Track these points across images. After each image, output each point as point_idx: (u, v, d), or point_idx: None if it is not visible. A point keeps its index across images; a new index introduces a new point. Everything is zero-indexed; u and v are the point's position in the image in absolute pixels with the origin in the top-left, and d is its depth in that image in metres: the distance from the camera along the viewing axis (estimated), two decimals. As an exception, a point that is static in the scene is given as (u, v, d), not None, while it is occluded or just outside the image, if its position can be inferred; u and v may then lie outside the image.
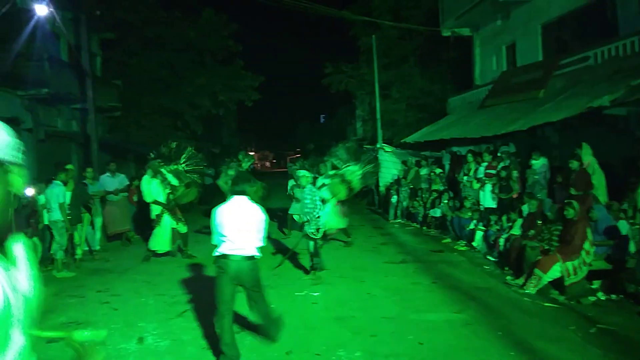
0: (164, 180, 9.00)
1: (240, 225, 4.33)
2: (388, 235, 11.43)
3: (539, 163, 9.69)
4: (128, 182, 10.90)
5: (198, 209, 13.30)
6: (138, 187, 11.51)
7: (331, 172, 9.66)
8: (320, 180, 9.46)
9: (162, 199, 8.89)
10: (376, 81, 18.40)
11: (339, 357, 4.55)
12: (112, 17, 16.48)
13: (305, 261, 8.58)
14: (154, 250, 8.88)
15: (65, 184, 8.08)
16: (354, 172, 9.61)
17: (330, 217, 8.81)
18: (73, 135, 14.85)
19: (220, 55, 21.21)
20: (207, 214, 12.52)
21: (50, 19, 11.63)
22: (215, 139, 29.47)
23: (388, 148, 16.73)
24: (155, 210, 8.88)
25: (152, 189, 8.86)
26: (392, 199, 13.57)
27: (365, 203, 17.59)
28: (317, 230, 7.46)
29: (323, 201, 8.32)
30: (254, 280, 4.43)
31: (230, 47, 21.05)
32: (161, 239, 8.81)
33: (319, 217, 7.50)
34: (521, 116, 10.61)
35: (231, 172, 9.65)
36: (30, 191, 7.74)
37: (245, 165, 11.14)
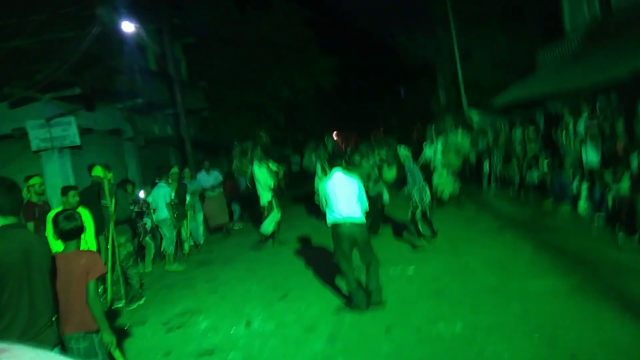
0: (268, 167, 9.36)
1: (343, 195, 5.23)
2: (482, 203, 11.02)
3: (646, 110, 8.76)
4: (222, 178, 11.48)
5: (287, 194, 13.71)
6: (232, 181, 12.13)
7: (442, 140, 10.65)
8: (431, 150, 10.64)
9: (272, 185, 9.22)
10: (455, 45, 17.62)
11: (440, 331, 4.51)
12: (191, 22, 17.31)
13: (395, 240, 8.56)
14: (266, 235, 9.24)
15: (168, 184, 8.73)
16: (465, 139, 10.79)
17: (445, 184, 10.37)
18: (169, 138, 15.91)
19: (295, 45, 21.48)
20: (296, 200, 12.85)
21: (137, 34, 12.46)
22: (298, 127, 30.03)
23: (475, 112, 16.02)
24: (266, 196, 9.16)
25: (264, 176, 9.18)
26: (484, 165, 13.00)
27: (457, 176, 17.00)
28: (422, 199, 7.69)
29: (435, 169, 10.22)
30: (365, 239, 5.30)
31: (304, 35, 21.22)
32: (270, 224, 9.15)
33: (422, 185, 7.78)
34: (620, 61, 9.64)
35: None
36: (142, 194, 8.45)
37: (329, 147, 11.42)
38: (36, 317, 2.62)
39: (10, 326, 2.50)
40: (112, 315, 6.11)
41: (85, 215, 5.34)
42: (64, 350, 3.04)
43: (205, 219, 10.75)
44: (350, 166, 7.60)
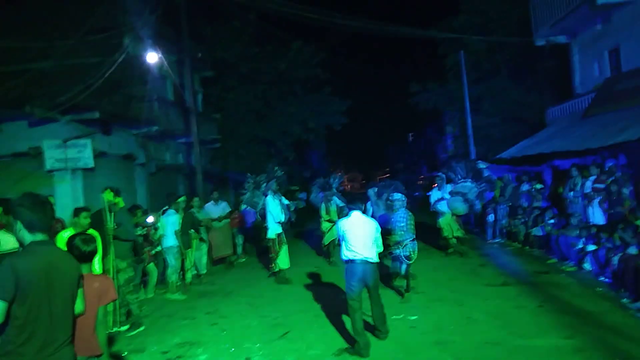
0: (281, 201, 9.52)
1: (361, 235, 5.48)
2: (487, 256, 11.00)
3: (654, 174, 8.88)
4: (230, 209, 11.57)
5: (291, 231, 13.73)
6: (240, 214, 12.21)
7: (449, 187, 10.97)
8: (439, 194, 10.93)
9: (282, 219, 9.31)
10: (466, 96, 17.99)
11: (441, 383, 4.48)
12: (211, 56, 17.83)
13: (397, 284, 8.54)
14: (283, 269, 9.27)
15: (177, 212, 8.81)
16: (472, 189, 10.84)
17: (448, 225, 10.72)
18: (180, 167, 16.12)
19: (309, 84, 21.96)
20: (300, 237, 12.90)
21: (159, 64, 12.84)
22: (306, 163, 30.32)
23: (483, 164, 16.17)
24: (276, 230, 9.24)
25: (277, 209, 9.27)
26: (488, 218, 13.05)
27: (461, 222, 17.03)
28: (410, 254, 7.53)
29: (442, 214, 10.48)
30: (376, 280, 5.58)
31: (318, 75, 21.73)
32: (285, 257, 9.24)
33: (412, 240, 7.59)
34: (630, 125, 9.83)
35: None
36: (151, 219, 8.52)
37: (335, 184, 11.65)
38: (55, 334, 2.66)
39: (28, 342, 2.54)
40: (110, 341, 6.08)
41: (97, 239, 5.41)
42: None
43: (209, 250, 10.77)
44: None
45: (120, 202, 6.89)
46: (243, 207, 12.28)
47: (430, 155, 37.31)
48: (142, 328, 6.65)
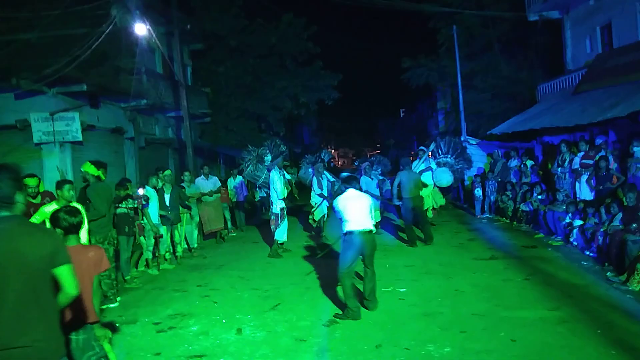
0: (284, 176, 9.57)
1: (358, 208, 5.76)
2: (475, 230, 11.15)
3: (640, 151, 8.97)
4: (220, 184, 11.56)
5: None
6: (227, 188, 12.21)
7: (432, 160, 11.45)
8: (423, 166, 11.24)
9: (285, 194, 9.40)
10: (458, 72, 17.92)
11: (429, 352, 4.59)
12: (201, 29, 17.51)
13: (390, 259, 8.66)
14: (282, 242, 9.37)
15: (154, 187, 8.71)
16: (452, 164, 11.32)
17: (434, 196, 11.26)
18: (169, 141, 16.00)
19: (300, 58, 21.72)
20: (291, 212, 12.86)
21: (147, 36, 12.60)
22: (297, 139, 30.22)
23: (473, 140, 16.26)
24: (280, 204, 9.26)
25: (281, 184, 9.28)
26: (476, 192, 13.17)
27: (450, 198, 17.21)
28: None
29: (425, 185, 10.74)
30: (372, 249, 5.84)
31: (309, 49, 21.48)
32: (284, 231, 9.31)
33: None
34: (620, 101, 9.89)
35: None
36: (141, 191, 8.46)
37: (325, 159, 11.76)
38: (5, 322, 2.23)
39: None
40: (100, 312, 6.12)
41: (82, 210, 5.37)
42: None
43: (200, 224, 10.80)
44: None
45: (101, 175, 6.78)
46: (238, 180, 12.29)
47: (422, 131, 37.29)
48: (116, 304, 6.61)
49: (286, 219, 9.41)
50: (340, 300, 6.04)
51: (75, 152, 11.08)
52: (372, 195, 9.92)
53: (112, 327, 5.47)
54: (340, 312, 5.67)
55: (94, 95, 11.68)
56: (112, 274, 6.79)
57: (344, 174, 6.95)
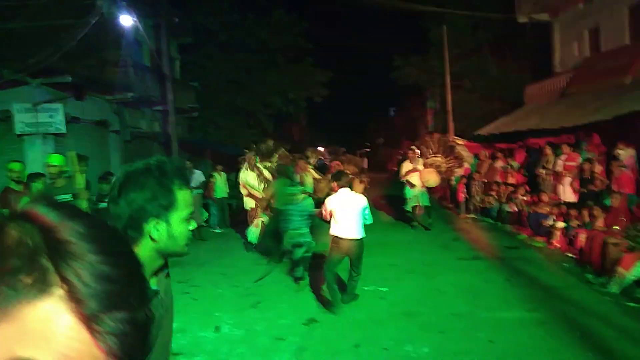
0: (260, 174, 9.29)
1: (349, 212, 5.60)
2: (460, 230, 11.17)
3: (625, 154, 9.04)
4: (204, 179, 11.45)
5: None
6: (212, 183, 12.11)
7: (421, 160, 11.24)
8: (410, 166, 11.09)
9: (258, 192, 9.16)
10: (447, 72, 17.97)
11: (407, 353, 4.58)
12: (190, 22, 17.35)
13: (374, 258, 8.64)
14: (250, 242, 9.19)
15: None
16: (441, 164, 11.26)
17: (420, 197, 10.90)
18: (155, 135, 15.83)
19: (290, 54, 21.64)
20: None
21: (134, 28, 12.44)
22: (286, 136, 30.14)
23: (460, 141, 16.31)
24: (249, 203, 9.16)
25: (250, 182, 9.12)
26: (462, 193, 13.22)
27: (437, 197, 17.24)
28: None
29: (411, 185, 10.74)
30: (358, 254, 5.75)
31: (300, 45, 21.41)
32: (255, 231, 9.07)
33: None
34: (606, 104, 9.96)
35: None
36: None
37: (313, 159, 11.62)
38: None
39: None
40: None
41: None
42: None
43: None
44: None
45: (77, 167, 6.64)
46: (224, 176, 12.16)
47: (411, 131, 37.35)
48: None
49: (259, 221, 8.99)
50: (322, 299, 6.02)
51: (58, 144, 10.90)
52: None
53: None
54: (323, 311, 5.71)
55: (79, 87, 11.50)
56: None
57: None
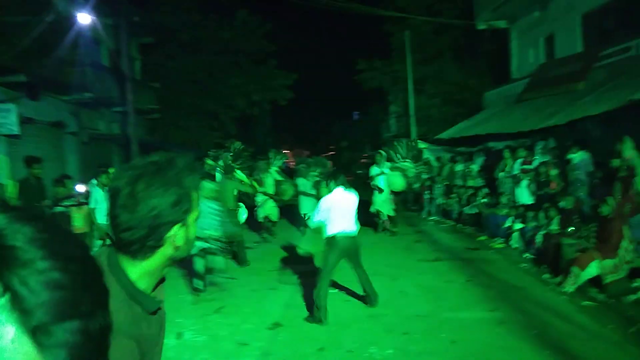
0: (233, 177, 9.12)
1: (345, 210, 5.59)
2: (422, 232, 11.36)
3: (577, 157, 9.38)
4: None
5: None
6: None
7: (388, 164, 11.06)
8: (378, 169, 11.00)
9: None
10: (410, 77, 18.27)
11: (371, 355, 4.60)
12: (151, 22, 16.99)
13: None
14: None
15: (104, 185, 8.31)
16: (410, 169, 11.14)
17: (383, 205, 10.71)
18: (114, 137, 15.40)
19: (254, 56, 21.51)
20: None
21: (92, 26, 12.09)
22: (250, 139, 29.88)
23: (422, 144, 16.57)
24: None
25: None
26: (425, 196, 13.47)
27: (400, 200, 17.47)
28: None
29: (379, 189, 10.60)
30: (357, 251, 5.74)
31: (264, 47, 21.31)
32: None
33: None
34: (560, 110, 10.33)
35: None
36: (82, 188, 8.06)
37: (278, 162, 11.54)
38: None
39: None
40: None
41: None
42: None
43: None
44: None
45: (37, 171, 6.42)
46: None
47: (375, 135, 37.73)
48: None
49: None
50: (286, 303, 5.98)
51: (11, 146, 10.46)
52: (309, 195, 10.02)
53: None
54: (309, 315, 5.59)
55: (33, 87, 11.07)
56: None
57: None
